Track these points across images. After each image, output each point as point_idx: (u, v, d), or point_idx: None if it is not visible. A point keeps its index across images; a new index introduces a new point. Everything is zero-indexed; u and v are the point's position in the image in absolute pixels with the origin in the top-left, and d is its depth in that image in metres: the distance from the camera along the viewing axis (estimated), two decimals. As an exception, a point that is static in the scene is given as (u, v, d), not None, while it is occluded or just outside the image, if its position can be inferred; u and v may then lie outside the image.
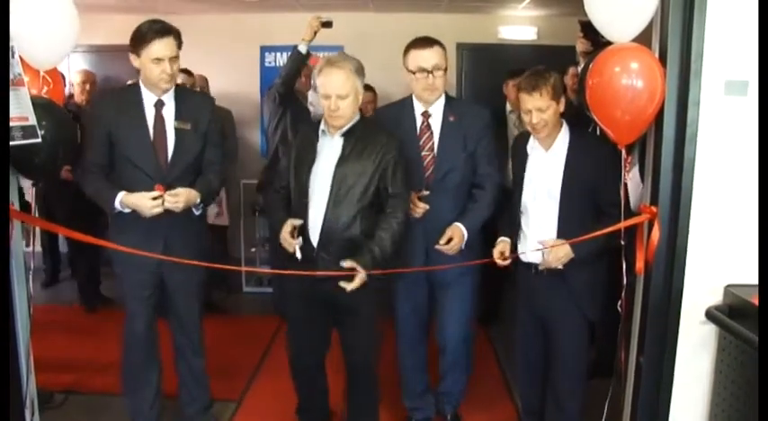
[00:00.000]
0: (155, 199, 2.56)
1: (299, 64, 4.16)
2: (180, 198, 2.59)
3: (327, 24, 4.18)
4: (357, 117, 2.67)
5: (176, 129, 2.70)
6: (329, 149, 2.64)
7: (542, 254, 2.57)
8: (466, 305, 2.96)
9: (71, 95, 4.72)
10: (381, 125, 2.84)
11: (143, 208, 2.57)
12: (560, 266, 2.55)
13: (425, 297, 3.00)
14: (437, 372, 3.10)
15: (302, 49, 4.09)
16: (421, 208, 2.76)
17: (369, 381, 2.85)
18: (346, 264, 2.49)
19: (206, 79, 5.27)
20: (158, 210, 2.56)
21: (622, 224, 2.39)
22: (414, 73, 2.79)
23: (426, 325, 3.08)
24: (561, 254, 2.52)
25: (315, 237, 2.58)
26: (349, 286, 2.49)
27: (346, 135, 2.63)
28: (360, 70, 2.64)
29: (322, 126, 2.68)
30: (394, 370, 3.13)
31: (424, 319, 3.05)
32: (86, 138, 2.85)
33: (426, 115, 2.87)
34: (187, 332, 2.91)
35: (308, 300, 2.70)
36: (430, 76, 2.76)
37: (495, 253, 2.69)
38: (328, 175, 2.59)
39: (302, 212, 2.61)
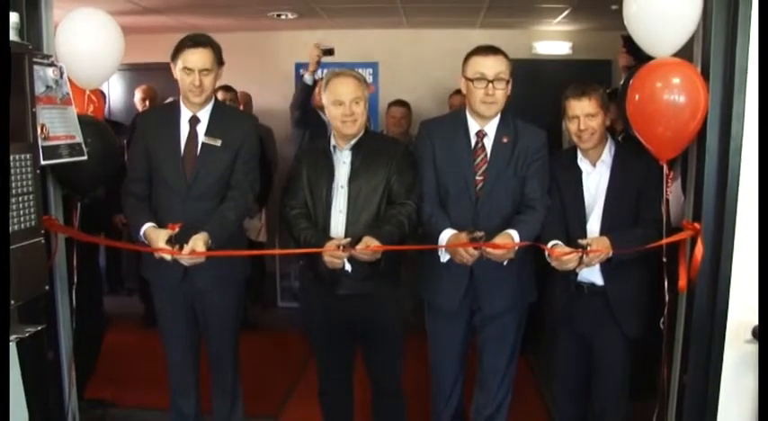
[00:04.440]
0: (168, 242, 2.46)
1: (308, 93, 4.21)
2: (194, 254, 2.44)
3: (329, 52, 4.18)
4: (362, 130, 2.65)
5: (203, 145, 2.64)
6: (340, 165, 2.63)
7: (582, 257, 2.43)
8: (507, 343, 2.70)
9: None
10: (430, 140, 2.65)
11: (154, 247, 2.50)
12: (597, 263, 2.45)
13: (464, 331, 2.73)
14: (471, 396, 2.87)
15: (308, 80, 4.14)
16: (471, 256, 2.45)
17: (395, 400, 2.84)
18: (360, 245, 2.41)
19: (249, 96, 5.36)
20: (168, 257, 2.46)
21: (665, 240, 2.35)
22: (472, 81, 2.52)
23: (465, 357, 2.80)
24: (602, 250, 2.39)
25: None
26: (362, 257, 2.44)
27: (354, 149, 2.62)
28: (365, 82, 2.66)
29: (332, 142, 2.66)
30: (424, 396, 2.97)
31: (463, 353, 2.78)
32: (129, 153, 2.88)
33: (481, 135, 2.60)
34: (222, 358, 2.85)
35: (333, 322, 2.70)
36: (490, 85, 2.49)
37: (556, 251, 2.41)
38: (344, 191, 2.59)
39: (325, 228, 2.60)
